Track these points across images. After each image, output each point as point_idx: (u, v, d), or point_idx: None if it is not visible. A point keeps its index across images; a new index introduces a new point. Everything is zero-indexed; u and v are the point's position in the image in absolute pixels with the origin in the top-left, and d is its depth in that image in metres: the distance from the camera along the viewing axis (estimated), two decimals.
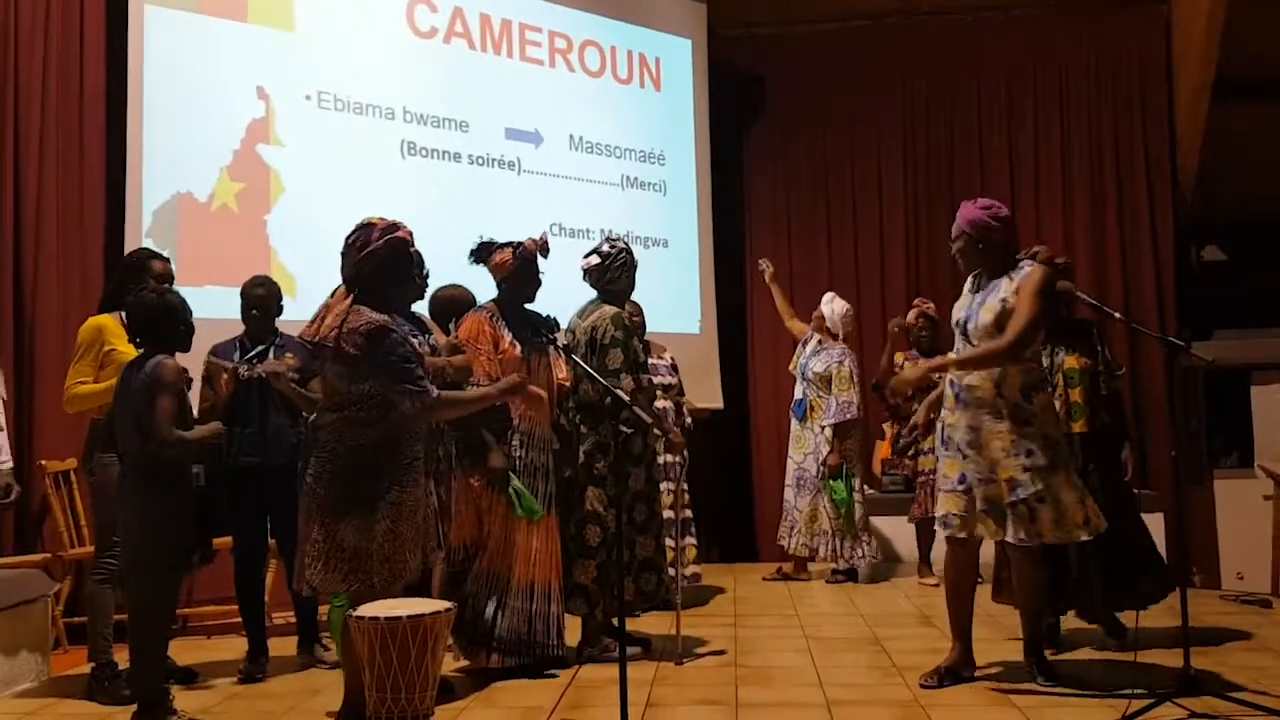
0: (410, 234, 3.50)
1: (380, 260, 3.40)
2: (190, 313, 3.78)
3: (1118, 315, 3.89)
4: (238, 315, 4.60)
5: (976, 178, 8.06)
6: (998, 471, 3.81)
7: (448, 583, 4.22)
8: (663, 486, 5.27)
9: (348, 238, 3.47)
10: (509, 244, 4.36)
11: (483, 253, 4.36)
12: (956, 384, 3.93)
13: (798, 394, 6.48)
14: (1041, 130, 7.99)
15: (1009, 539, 3.85)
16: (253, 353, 4.48)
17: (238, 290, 4.63)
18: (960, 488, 3.91)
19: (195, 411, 4.07)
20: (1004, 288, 3.88)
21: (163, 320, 3.69)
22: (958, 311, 4.05)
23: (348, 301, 3.38)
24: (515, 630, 4.19)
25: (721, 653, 4.62)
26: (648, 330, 5.59)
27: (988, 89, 8.12)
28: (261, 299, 4.55)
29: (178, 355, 3.72)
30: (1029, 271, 3.87)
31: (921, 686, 3.93)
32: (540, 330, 4.19)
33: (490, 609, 4.17)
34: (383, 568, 3.29)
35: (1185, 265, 7.85)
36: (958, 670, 4.01)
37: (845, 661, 4.47)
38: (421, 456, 3.44)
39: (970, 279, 4.07)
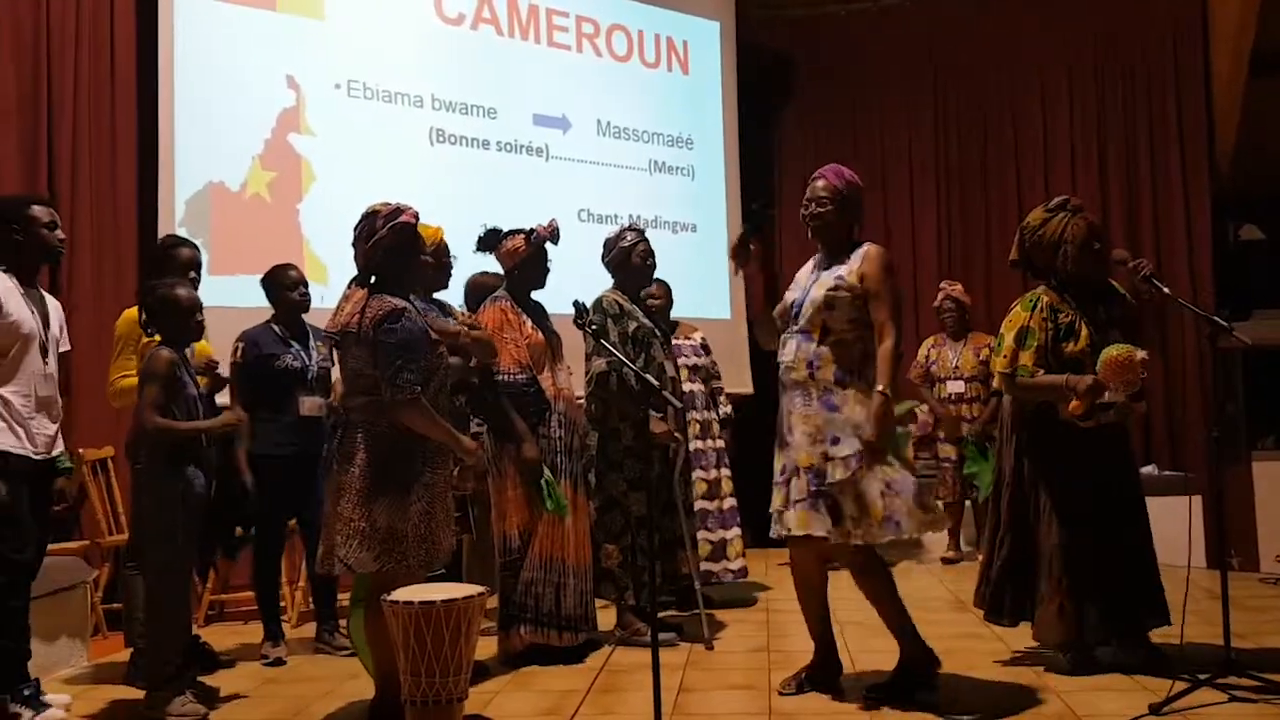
0: (416, 215, 3.46)
1: (387, 248, 3.39)
2: (186, 304, 3.74)
3: (1165, 289, 3.76)
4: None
5: (1010, 158, 8.00)
6: (799, 459, 3.52)
7: (507, 570, 4.24)
8: (695, 474, 5.24)
9: (355, 228, 3.46)
10: (520, 231, 4.35)
11: (491, 240, 4.34)
12: (780, 366, 3.63)
13: None
14: (1076, 106, 7.89)
15: (816, 533, 3.50)
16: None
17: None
18: (780, 479, 3.61)
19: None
20: (845, 268, 3.58)
21: (157, 313, 3.72)
22: (791, 293, 3.69)
23: (363, 291, 3.38)
24: (579, 608, 4.26)
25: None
26: (676, 314, 5.55)
27: (1022, 65, 8.03)
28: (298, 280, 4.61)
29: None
30: (870, 252, 3.59)
31: (780, 694, 3.70)
32: (545, 318, 4.40)
33: (552, 590, 4.20)
34: (419, 548, 3.30)
35: (1222, 244, 7.73)
36: (818, 677, 3.75)
37: (878, 646, 4.43)
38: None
39: (817, 258, 3.71)
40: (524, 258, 4.33)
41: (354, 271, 3.48)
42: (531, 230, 4.33)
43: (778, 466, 3.65)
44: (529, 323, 4.30)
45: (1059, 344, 3.86)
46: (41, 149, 5.29)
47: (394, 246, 3.40)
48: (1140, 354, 3.66)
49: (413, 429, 3.31)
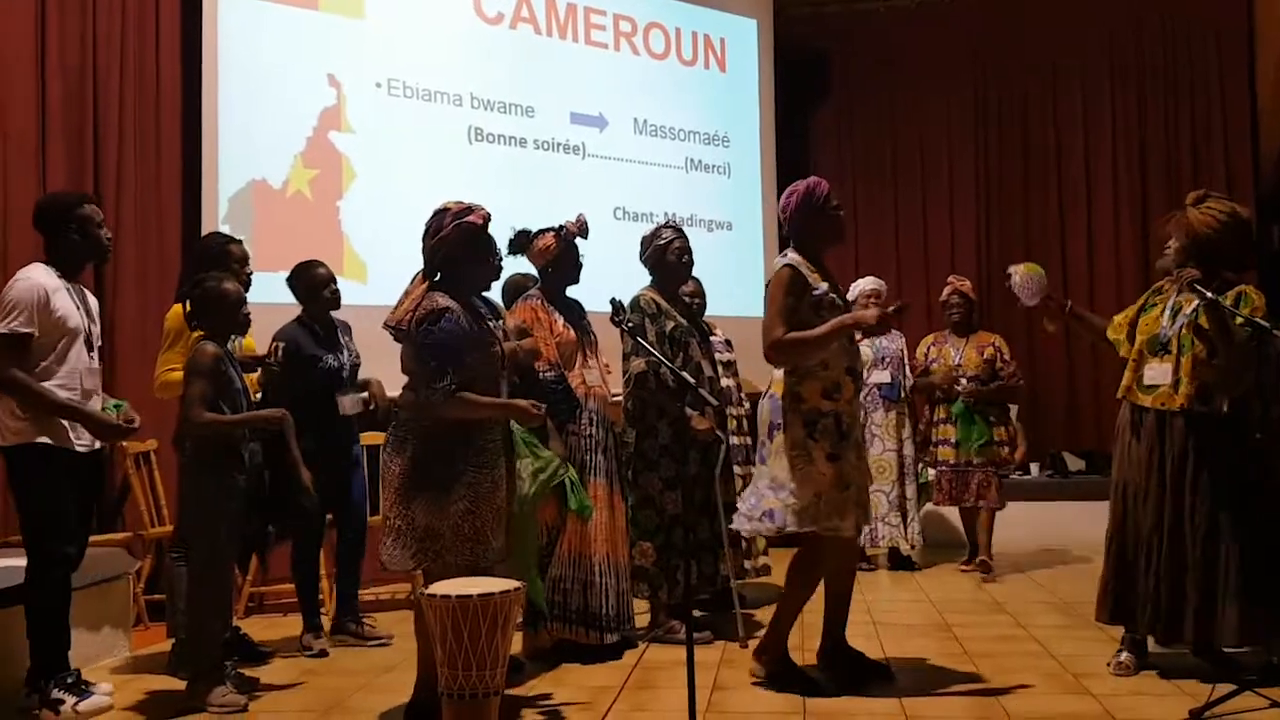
0: (485, 217, 3.48)
1: (451, 244, 3.42)
2: (233, 297, 3.78)
3: (1210, 295, 3.70)
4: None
5: (1051, 157, 7.95)
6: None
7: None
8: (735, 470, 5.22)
9: (426, 223, 3.49)
10: (549, 229, 4.35)
11: (521, 241, 4.29)
12: (858, 373, 3.82)
13: (884, 377, 6.03)
14: (1119, 105, 7.83)
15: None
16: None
17: None
18: (844, 490, 3.78)
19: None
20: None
21: (204, 306, 3.77)
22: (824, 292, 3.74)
23: (423, 286, 3.42)
24: (611, 606, 4.26)
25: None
26: (710, 312, 5.53)
27: (1062, 64, 7.96)
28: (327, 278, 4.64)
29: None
30: None
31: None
32: (581, 315, 4.40)
33: (580, 588, 4.21)
34: (462, 547, 3.30)
35: (1266, 246, 7.63)
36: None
37: (914, 648, 4.42)
38: (498, 438, 3.46)
39: (813, 261, 3.79)
40: (555, 255, 4.34)
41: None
42: (561, 227, 4.35)
43: (836, 473, 3.69)
44: (560, 320, 4.31)
45: (1140, 315, 4.00)
46: (88, 146, 5.35)
47: (457, 243, 3.41)
48: (1023, 272, 4.21)
49: (462, 420, 3.32)
